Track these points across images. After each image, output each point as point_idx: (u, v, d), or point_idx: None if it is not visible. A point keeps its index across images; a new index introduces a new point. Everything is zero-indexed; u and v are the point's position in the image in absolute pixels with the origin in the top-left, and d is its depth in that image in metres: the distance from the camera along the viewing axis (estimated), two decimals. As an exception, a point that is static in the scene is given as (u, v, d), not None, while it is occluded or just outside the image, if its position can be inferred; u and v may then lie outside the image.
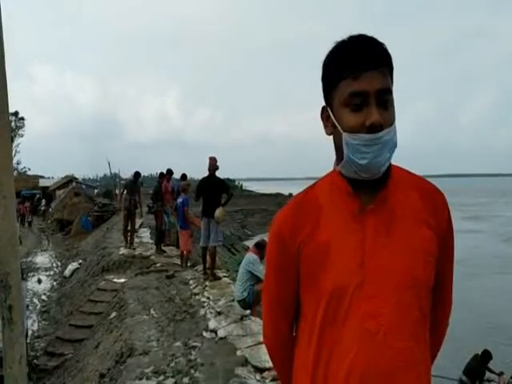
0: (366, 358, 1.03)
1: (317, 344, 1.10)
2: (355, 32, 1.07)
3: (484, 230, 32.91)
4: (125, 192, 11.64)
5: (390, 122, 1.03)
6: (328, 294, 1.07)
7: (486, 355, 8.21)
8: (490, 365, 8.33)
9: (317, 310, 1.10)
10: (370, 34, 1.07)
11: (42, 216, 28.79)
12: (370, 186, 1.08)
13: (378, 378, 1.02)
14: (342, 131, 1.05)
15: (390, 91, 1.05)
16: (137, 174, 11.71)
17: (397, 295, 1.04)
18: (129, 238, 11.53)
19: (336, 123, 1.07)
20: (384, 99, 1.03)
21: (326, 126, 1.12)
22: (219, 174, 7.39)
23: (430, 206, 1.10)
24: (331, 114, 1.09)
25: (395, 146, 1.05)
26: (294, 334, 1.23)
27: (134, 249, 11.32)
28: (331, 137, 1.12)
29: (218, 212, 7.04)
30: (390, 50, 1.07)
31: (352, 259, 1.06)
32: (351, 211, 1.08)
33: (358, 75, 1.02)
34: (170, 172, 11.39)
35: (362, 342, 1.03)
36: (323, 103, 1.14)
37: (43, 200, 31.19)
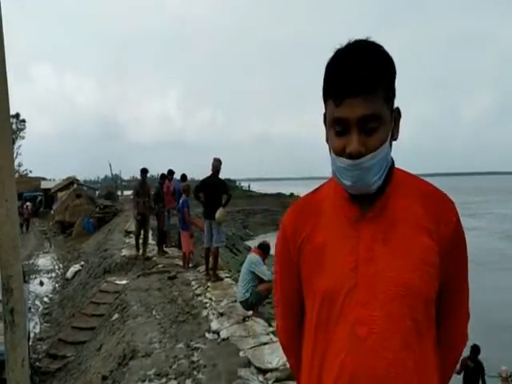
0: (354, 363, 1.02)
1: (312, 344, 1.12)
2: (362, 34, 1.04)
3: (480, 228, 32.80)
4: (136, 196, 10.26)
5: (373, 147, 1.00)
6: (321, 296, 1.08)
7: (475, 350, 8.14)
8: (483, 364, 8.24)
9: (312, 311, 1.12)
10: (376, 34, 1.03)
11: (26, 221, 26.84)
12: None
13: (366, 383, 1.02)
14: (330, 148, 1.07)
15: (375, 117, 1.00)
16: (144, 172, 10.53)
17: (389, 303, 1.02)
18: (141, 246, 10.45)
19: (328, 138, 1.09)
20: (367, 126, 1.00)
21: (326, 132, 1.12)
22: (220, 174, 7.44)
23: (433, 213, 1.06)
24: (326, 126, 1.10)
25: (386, 165, 1.04)
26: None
27: (148, 258, 10.41)
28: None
29: (219, 213, 7.08)
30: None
31: (345, 263, 1.06)
32: (349, 216, 1.09)
33: (340, 102, 1.00)
34: (171, 173, 11.35)
35: (351, 347, 1.03)
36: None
37: (28, 203, 28.74)
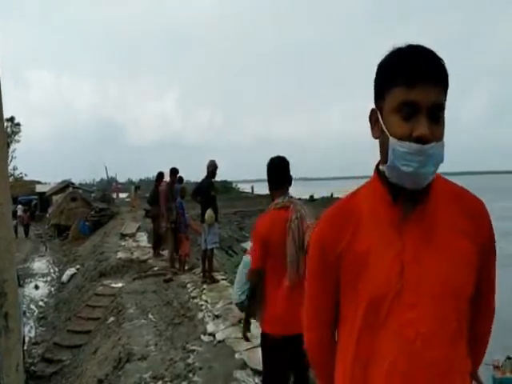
0: (404, 364, 1.04)
1: (355, 347, 1.12)
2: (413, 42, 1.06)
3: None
4: (167, 201, 8.94)
5: (438, 137, 1.02)
6: (367, 302, 1.08)
7: None
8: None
9: (355, 316, 1.11)
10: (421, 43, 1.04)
11: (26, 226, 26.09)
12: (410, 196, 1.07)
13: None
14: (389, 136, 1.04)
15: (442, 107, 1.04)
16: (175, 172, 9.27)
17: (436, 305, 1.04)
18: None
19: (384, 128, 1.06)
20: (436, 114, 1.02)
21: (373, 129, 1.12)
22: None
23: (470, 217, 1.10)
24: (380, 118, 1.08)
25: (441, 160, 1.04)
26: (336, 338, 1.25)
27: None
28: (377, 140, 1.12)
29: (206, 215, 7.13)
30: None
31: (391, 269, 1.06)
32: (391, 221, 1.09)
33: (413, 85, 1.00)
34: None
35: (400, 349, 1.05)
36: (371, 105, 1.13)
37: (19, 206, 27.14)
